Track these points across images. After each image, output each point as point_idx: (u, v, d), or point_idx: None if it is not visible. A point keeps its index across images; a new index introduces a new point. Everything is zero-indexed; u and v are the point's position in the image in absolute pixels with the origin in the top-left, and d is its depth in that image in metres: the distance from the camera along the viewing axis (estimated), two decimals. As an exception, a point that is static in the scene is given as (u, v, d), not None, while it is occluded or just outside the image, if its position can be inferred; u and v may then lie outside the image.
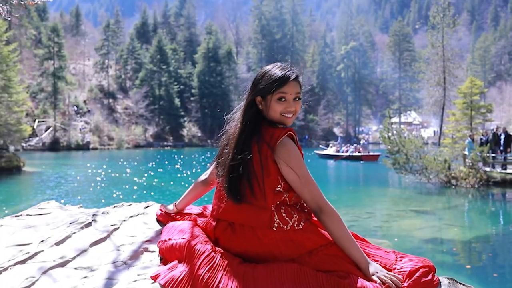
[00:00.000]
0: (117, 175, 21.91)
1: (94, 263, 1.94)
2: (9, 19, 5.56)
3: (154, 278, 1.81)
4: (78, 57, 69.26)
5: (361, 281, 1.78)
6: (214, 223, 2.00)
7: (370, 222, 11.82)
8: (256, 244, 1.89)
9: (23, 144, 40.30)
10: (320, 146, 45.39)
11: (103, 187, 17.54)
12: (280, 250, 1.89)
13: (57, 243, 2.07)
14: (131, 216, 2.45)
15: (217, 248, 1.89)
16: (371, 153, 34.17)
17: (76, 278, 1.81)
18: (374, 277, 1.82)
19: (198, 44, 72.93)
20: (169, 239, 2.01)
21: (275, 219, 1.91)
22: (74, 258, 1.97)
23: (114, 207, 2.65)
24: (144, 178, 20.48)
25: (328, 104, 76.82)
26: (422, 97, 37.23)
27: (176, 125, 61.98)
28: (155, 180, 19.94)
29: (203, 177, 2.33)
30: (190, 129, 64.25)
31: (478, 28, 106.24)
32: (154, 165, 27.95)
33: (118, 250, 2.07)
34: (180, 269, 1.82)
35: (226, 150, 2.03)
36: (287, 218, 1.92)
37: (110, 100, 61.31)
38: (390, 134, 19.38)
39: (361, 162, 32.15)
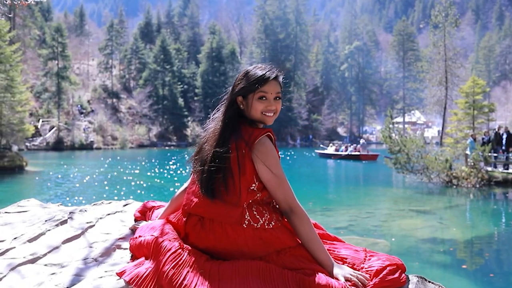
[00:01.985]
0: (117, 174, 21.97)
1: (65, 260, 1.96)
2: (2, 19, 5.60)
3: (120, 274, 1.83)
4: (82, 57, 69.43)
5: (326, 278, 1.79)
6: (184, 218, 2.01)
7: (369, 222, 11.81)
8: (225, 240, 1.90)
9: (27, 144, 40.48)
10: (321, 145, 45.36)
11: (102, 186, 17.60)
12: (248, 247, 1.90)
13: (30, 240, 2.09)
14: (108, 214, 2.47)
15: (185, 245, 1.90)
16: (370, 153, 34.08)
17: (44, 274, 1.83)
18: (339, 276, 1.83)
19: (201, 44, 73.00)
20: (139, 236, 2.02)
21: (246, 216, 1.92)
22: (45, 255, 1.99)
23: (94, 205, 2.67)
24: (145, 178, 20.53)
25: (332, 104, 76.76)
26: (426, 97, 37.09)
27: (180, 124, 62.04)
28: (156, 180, 19.99)
29: (183, 186, 2.31)
30: (194, 129, 64.21)
31: (483, 27, 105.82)
32: (156, 165, 28.02)
33: (91, 247, 2.09)
34: (146, 266, 1.83)
35: (205, 147, 2.04)
36: (258, 217, 1.94)
37: (114, 100, 61.43)
38: (391, 133, 19.35)
39: (363, 162, 32.08)
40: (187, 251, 1.86)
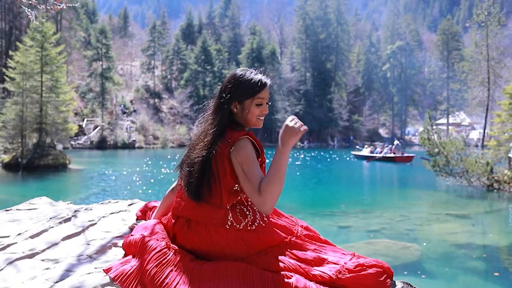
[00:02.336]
0: (156, 172, 22.38)
1: (61, 256, 2.06)
2: (36, 22, 5.82)
3: (106, 271, 1.91)
4: (125, 58, 71.04)
5: (304, 281, 1.81)
6: (173, 220, 2.08)
7: (402, 225, 11.61)
8: (208, 241, 1.96)
9: (72, 143, 41.74)
10: (357, 147, 44.78)
11: (138, 185, 17.96)
12: (231, 248, 1.95)
13: (32, 236, 2.21)
14: (112, 213, 2.57)
15: (172, 245, 1.96)
16: (405, 155, 33.38)
17: (39, 269, 1.93)
18: (302, 128, 1.91)
19: (242, 44, 73.38)
20: (131, 235, 2.10)
21: (229, 218, 1.97)
22: (43, 250, 2.09)
23: (101, 203, 2.77)
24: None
25: (374, 105, 75.74)
26: (469, 98, 36.08)
27: (220, 125, 62.58)
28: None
29: (171, 186, 2.36)
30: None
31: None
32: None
33: (88, 244, 2.18)
34: (131, 264, 1.91)
35: (193, 152, 2.09)
36: (240, 218, 1.98)
37: (156, 100, 62.54)
38: (430, 135, 18.94)
39: (398, 163, 31.46)
40: (173, 251, 1.92)
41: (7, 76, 25.06)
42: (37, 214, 2.55)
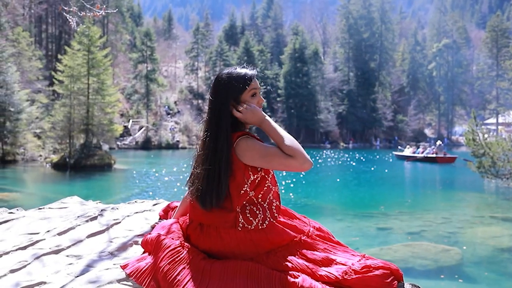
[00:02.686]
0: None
1: (85, 252, 2.18)
2: (77, 29, 6.07)
3: (123, 267, 2.01)
4: (169, 59, 72.30)
5: (310, 281, 1.86)
6: (188, 222, 2.16)
7: (443, 228, 11.37)
8: (219, 243, 2.03)
9: (118, 143, 42.88)
10: (399, 147, 43.94)
11: (178, 186, 18.27)
12: (240, 249, 2.01)
13: (59, 233, 2.34)
14: (136, 212, 2.68)
15: (185, 244, 2.04)
16: (447, 155, 32.49)
17: (63, 264, 2.06)
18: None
19: (285, 45, 73.32)
20: (149, 234, 2.20)
21: (240, 220, 2.03)
22: (68, 247, 2.22)
23: (128, 203, 2.89)
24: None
25: (419, 104, 74.16)
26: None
27: (263, 125, 62.66)
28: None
29: None
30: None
31: None
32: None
33: (111, 242, 2.30)
34: (146, 261, 2.00)
35: (199, 160, 2.15)
36: (251, 219, 2.04)
37: (199, 101, 63.36)
38: (475, 136, 18.41)
39: (440, 164, 30.69)
40: (187, 249, 2.01)
41: (55, 79, 26.03)
42: (66, 212, 2.69)
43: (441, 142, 35.56)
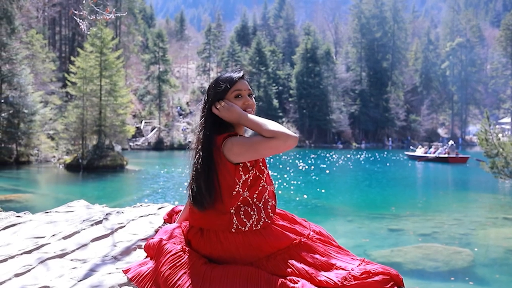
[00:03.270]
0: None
1: (89, 256, 2.21)
2: (88, 33, 6.13)
3: (125, 272, 2.04)
4: (182, 60, 72.58)
5: (310, 286, 1.87)
6: (188, 228, 2.18)
7: (455, 229, 11.28)
8: (219, 247, 2.04)
9: (131, 144, 43.14)
10: (411, 147, 43.61)
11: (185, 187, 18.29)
12: (240, 253, 2.02)
13: (65, 237, 2.38)
14: (141, 216, 2.71)
15: (187, 248, 2.06)
16: (460, 155, 32.18)
17: (67, 268, 2.09)
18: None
19: (296, 45, 73.23)
20: (152, 238, 2.23)
21: (234, 221, 2.05)
22: (73, 251, 2.25)
23: (133, 207, 2.93)
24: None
25: (432, 104, 73.60)
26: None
27: (274, 125, 62.56)
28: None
29: None
30: (289, 130, 64.55)
31: None
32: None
33: (115, 246, 2.33)
34: (148, 266, 2.03)
35: (192, 162, 2.20)
36: (245, 220, 2.05)
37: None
38: (488, 136, 18.23)
39: (451, 164, 30.43)
40: (188, 254, 2.03)
41: (68, 81, 26.28)
42: (72, 216, 2.73)
43: (453, 142, 35.27)
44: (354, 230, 11.21)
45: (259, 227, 2.07)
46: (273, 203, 2.19)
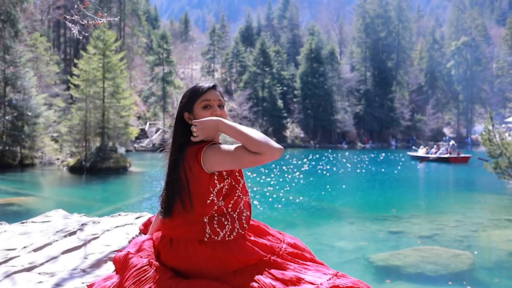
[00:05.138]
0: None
1: (57, 270, 2.18)
2: (80, 37, 6.11)
3: (89, 286, 2.00)
4: (186, 61, 72.62)
5: (276, 302, 1.83)
6: (159, 239, 2.14)
7: (456, 231, 11.18)
8: (186, 260, 2.00)
9: (135, 145, 43.20)
10: (413, 147, 43.40)
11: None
12: (207, 267, 1.98)
13: (35, 250, 2.35)
14: (117, 226, 2.68)
15: (154, 262, 2.02)
16: (461, 155, 31.99)
17: (33, 282, 2.06)
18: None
19: (301, 45, 73.11)
20: (120, 251, 2.19)
21: (207, 231, 2.01)
22: (42, 264, 2.22)
23: (111, 216, 2.89)
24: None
25: (437, 103, 73.27)
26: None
27: (279, 126, 62.58)
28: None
29: None
30: (293, 130, 64.61)
31: None
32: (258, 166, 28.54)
33: (86, 258, 2.29)
34: (112, 280, 1.99)
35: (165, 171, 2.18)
36: (218, 230, 2.01)
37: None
38: (491, 136, 18.08)
39: (452, 164, 30.26)
40: (154, 268, 1.98)
41: (71, 83, 26.34)
42: (47, 227, 2.70)
43: (454, 142, 35.11)
44: (354, 233, 11.15)
45: (232, 237, 2.03)
46: (248, 214, 2.15)
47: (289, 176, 22.91)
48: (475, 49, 74.04)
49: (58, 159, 28.02)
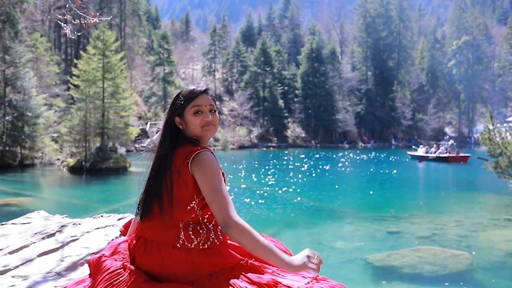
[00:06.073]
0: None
1: (32, 273, 2.13)
2: (73, 37, 6.07)
3: (61, 291, 1.95)
4: (187, 62, 72.59)
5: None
6: (134, 240, 2.09)
7: (455, 231, 11.11)
8: (160, 264, 1.95)
9: (136, 145, 43.16)
10: (413, 146, 43.30)
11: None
12: (182, 271, 1.93)
13: (11, 252, 2.30)
14: (97, 228, 2.63)
15: (128, 266, 1.96)
16: (460, 154, 31.92)
17: (5, 286, 2.01)
18: (310, 265, 1.86)
19: (302, 45, 73.08)
20: (95, 253, 2.13)
21: (181, 236, 1.95)
22: (17, 266, 2.17)
23: (94, 217, 2.84)
24: (240, 180, 20.98)
25: (439, 103, 73.18)
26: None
27: (280, 126, 62.54)
28: (248, 180, 20.38)
29: None
30: (294, 130, 64.56)
31: None
32: (257, 166, 28.55)
33: (62, 261, 2.24)
34: (85, 284, 1.94)
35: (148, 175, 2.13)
36: (192, 237, 1.96)
37: (217, 103, 62.89)
38: (491, 135, 18.01)
39: (452, 164, 30.17)
40: (128, 271, 1.93)
41: (71, 83, 26.32)
42: (26, 229, 2.66)
43: (453, 142, 35.04)
44: (352, 233, 11.09)
45: (206, 246, 1.97)
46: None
47: (291, 174, 22.87)
48: (476, 48, 73.91)
49: (58, 159, 28.01)
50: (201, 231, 1.98)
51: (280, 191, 17.19)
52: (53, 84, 35.04)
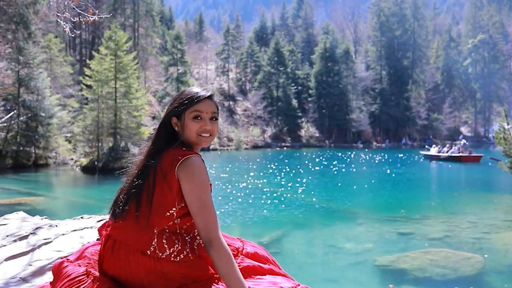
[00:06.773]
0: (227, 176, 22.61)
1: (-4, 278, 2.01)
2: (72, 35, 5.99)
3: (20, 298, 1.84)
4: (201, 62, 72.77)
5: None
6: (104, 241, 1.96)
7: (468, 233, 10.84)
8: (127, 269, 1.82)
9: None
10: (426, 146, 42.78)
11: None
12: (149, 280, 1.79)
13: (-22, 256, 2.18)
14: (74, 230, 2.51)
15: (92, 272, 1.84)
16: (473, 154, 31.43)
17: (-36, 292, 1.90)
18: None
19: (315, 44, 72.78)
20: (60, 258, 2.01)
21: (153, 243, 1.82)
22: (-19, 271, 2.05)
23: (74, 219, 2.73)
24: (251, 180, 20.87)
25: (454, 102, 72.40)
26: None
27: (294, 125, 62.37)
28: (260, 181, 20.25)
29: None
30: (308, 130, 64.33)
31: None
32: (270, 166, 28.42)
33: (30, 265, 2.13)
34: (43, 291, 1.82)
35: (131, 171, 2.01)
36: (165, 246, 1.82)
37: (230, 102, 63.41)
38: (506, 135, 17.65)
39: (464, 164, 29.72)
40: (92, 278, 1.80)
41: (84, 84, 26.46)
42: (1, 231, 2.55)
43: (466, 141, 34.59)
44: (362, 234, 10.89)
45: (178, 259, 1.82)
46: (201, 242, 1.93)
47: (303, 173, 22.68)
48: (492, 46, 72.91)
49: (72, 159, 28.20)
50: (176, 241, 1.84)
51: (291, 191, 17.03)
52: (67, 85, 35.25)
